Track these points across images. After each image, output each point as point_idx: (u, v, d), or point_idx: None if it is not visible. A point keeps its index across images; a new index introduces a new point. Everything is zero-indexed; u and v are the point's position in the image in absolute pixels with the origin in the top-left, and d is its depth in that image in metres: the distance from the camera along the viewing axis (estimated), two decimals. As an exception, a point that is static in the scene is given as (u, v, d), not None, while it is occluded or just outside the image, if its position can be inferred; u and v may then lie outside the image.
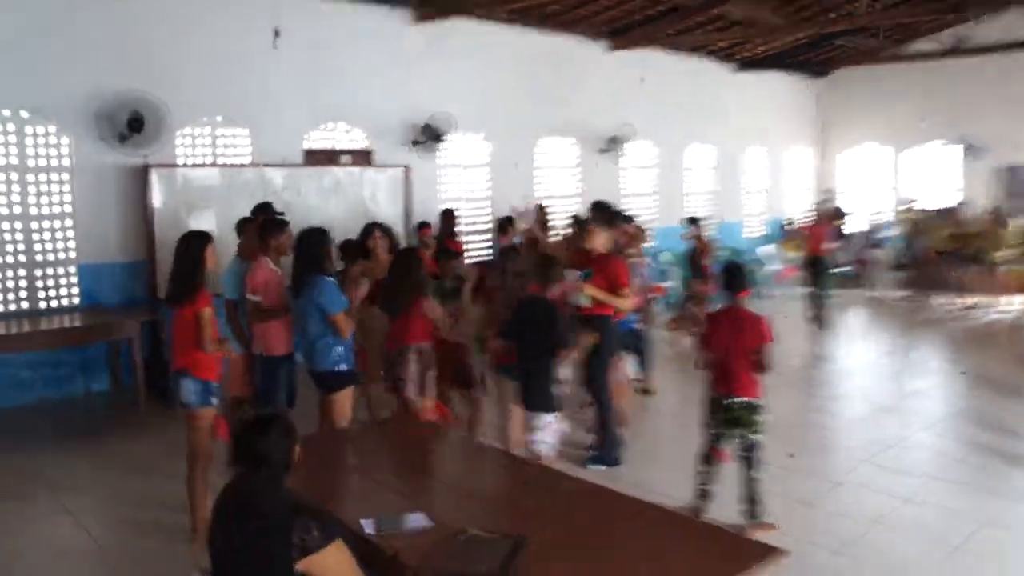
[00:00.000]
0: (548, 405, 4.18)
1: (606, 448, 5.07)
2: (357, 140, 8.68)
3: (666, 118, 11.69)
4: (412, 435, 3.98)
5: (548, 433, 4.18)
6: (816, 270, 9.26)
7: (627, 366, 6.49)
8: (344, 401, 4.34)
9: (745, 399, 4.06)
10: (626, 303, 4.88)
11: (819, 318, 9.33)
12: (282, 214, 6.10)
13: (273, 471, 2.31)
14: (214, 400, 4.13)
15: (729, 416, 4.09)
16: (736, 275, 4.14)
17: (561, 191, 10.83)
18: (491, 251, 8.97)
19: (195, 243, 4.12)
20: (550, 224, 9.20)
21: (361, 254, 5.38)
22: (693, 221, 8.99)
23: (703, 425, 4.23)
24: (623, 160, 11.31)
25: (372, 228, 5.49)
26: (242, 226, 5.39)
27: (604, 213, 5.29)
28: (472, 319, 5.03)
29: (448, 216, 8.09)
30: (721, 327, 4.10)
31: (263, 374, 4.61)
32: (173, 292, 4.10)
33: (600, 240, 4.91)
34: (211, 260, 4.12)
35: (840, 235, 12.62)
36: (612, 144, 10.90)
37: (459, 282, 5.18)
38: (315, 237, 4.40)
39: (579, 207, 10.95)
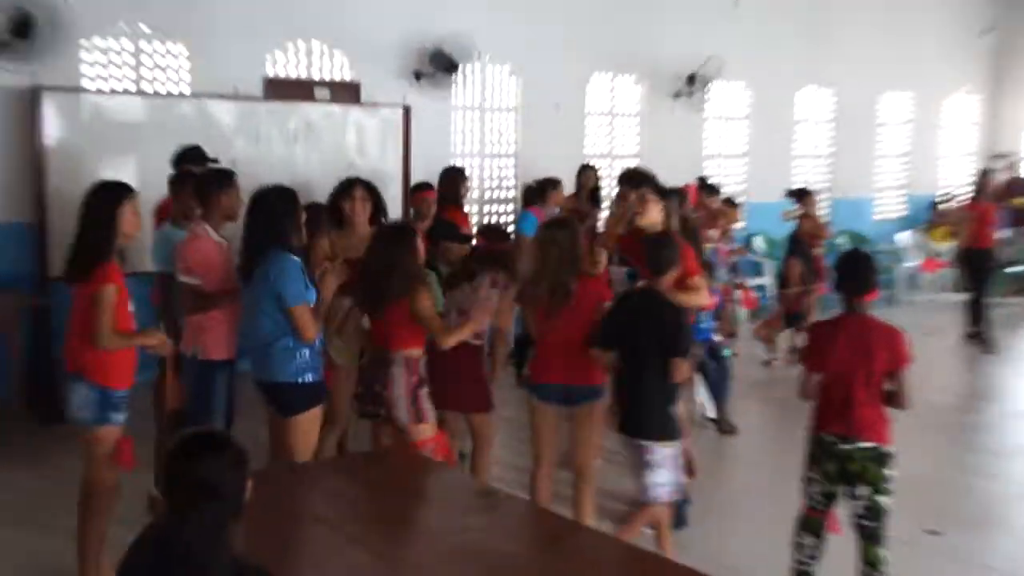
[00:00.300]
0: (668, 431, 4.36)
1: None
2: (339, 68, 8.72)
3: (768, 50, 11.61)
4: (398, 475, 3.98)
5: (668, 469, 4.35)
6: (979, 267, 9.14)
7: (697, 392, 6.50)
8: (308, 426, 4.36)
9: (870, 444, 4.03)
10: (698, 299, 4.85)
11: (981, 336, 9.21)
12: (215, 161, 6.19)
13: (218, 514, 2.22)
14: (117, 415, 4.16)
15: (844, 467, 4.06)
16: (860, 270, 4.13)
17: (619, 147, 10.81)
18: (514, 224, 8.97)
19: (106, 198, 4.14)
20: (601, 193, 9.21)
21: (332, 222, 5.38)
22: (801, 194, 8.92)
23: (804, 478, 4.23)
24: (706, 107, 11.30)
25: (352, 185, 5.49)
26: (179, 182, 5.44)
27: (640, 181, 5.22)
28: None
29: (452, 177, 7.53)
30: (837, 342, 4.07)
31: (196, 383, 4.63)
32: (72, 265, 4.13)
33: (655, 214, 4.95)
34: (129, 223, 4.14)
35: (1018, 219, 12.43)
36: (691, 85, 10.87)
37: (460, 269, 5.17)
38: (276, 198, 4.42)
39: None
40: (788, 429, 6.58)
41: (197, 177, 5.02)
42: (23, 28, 6.75)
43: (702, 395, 7.10)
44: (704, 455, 5.99)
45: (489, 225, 8.26)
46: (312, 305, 4.33)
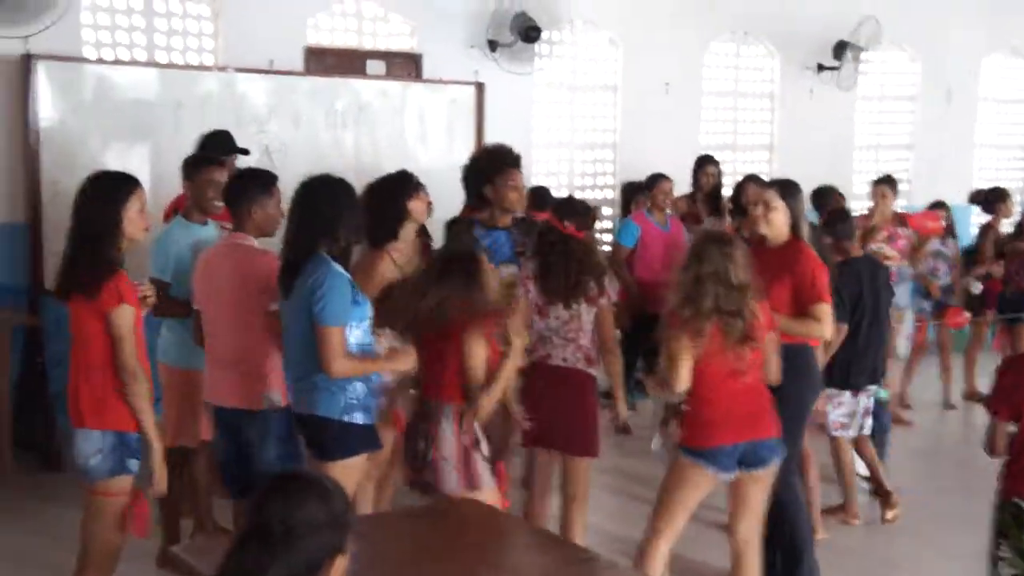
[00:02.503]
0: None
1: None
2: (396, 36, 8.77)
3: (942, 9, 11.43)
4: (465, 533, 3.97)
5: None
6: None
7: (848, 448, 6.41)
8: (346, 475, 4.32)
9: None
10: (822, 330, 5.00)
11: None
12: (246, 152, 6.27)
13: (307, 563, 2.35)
14: (133, 462, 4.19)
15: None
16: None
17: (745, 137, 10.73)
18: (612, 233, 8.92)
19: (107, 193, 4.16)
20: (724, 193, 9.11)
21: (390, 229, 5.30)
22: (995, 197, 8.78)
23: (991, 556, 4.18)
24: (859, 85, 11.13)
25: (417, 184, 5.45)
26: (195, 164, 5.50)
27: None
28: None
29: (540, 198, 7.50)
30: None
31: (226, 429, 4.73)
32: (67, 277, 4.15)
33: (782, 221, 5.00)
34: (135, 224, 4.16)
35: None
36: (839, 57, 10.76)
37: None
38: (325, 193, 4.42)
39: (771, 164, 10.75)
40: (962, 493, 6.45)
41: (236, 177, 5.04)
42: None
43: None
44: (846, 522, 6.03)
45: (566, 200, 8.02)
46: (343, 327, 4.28)
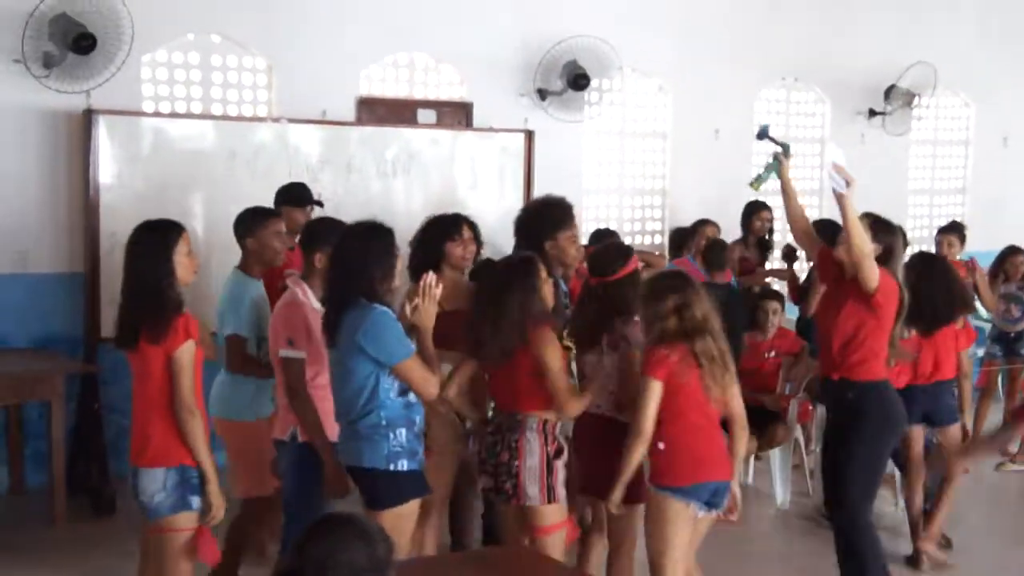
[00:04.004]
0: None
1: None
2: (447, 85, 8.87)
3: (997, 52, 11.36)
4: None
5: None
6: None
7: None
8: (399, 523, 4.35)
9: None
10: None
11: None
12: (320, 204, 6.40)
13: None
14: (195, 498, 4.27)
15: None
16: None
17: (795, 183, 10.59)
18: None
19: (157, 239, 4.29)
20: (774, 239, 9.08)
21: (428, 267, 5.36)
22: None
23: None
24: (913, 130, 11.09)
25: (460, 224, 5.55)
26: (262, 216, 5.60)
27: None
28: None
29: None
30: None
31: (296, 470, 4.82)
32: (130, 323, 4.26)
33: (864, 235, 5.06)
34: (185, 268, 4.29)
35: None
36: (892, 101, 10.71)
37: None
38: (365, 238, 4.49)
39: (820, 210, 10.71)
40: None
41: (308, 227, 5.19)
42: (84, 41, 6.98)
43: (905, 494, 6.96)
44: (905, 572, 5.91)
45: (602, 231, 8.08)
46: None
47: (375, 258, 4.42)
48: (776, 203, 9.53)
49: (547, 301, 4.72)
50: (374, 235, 4.49)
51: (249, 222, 5.49)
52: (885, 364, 5.23)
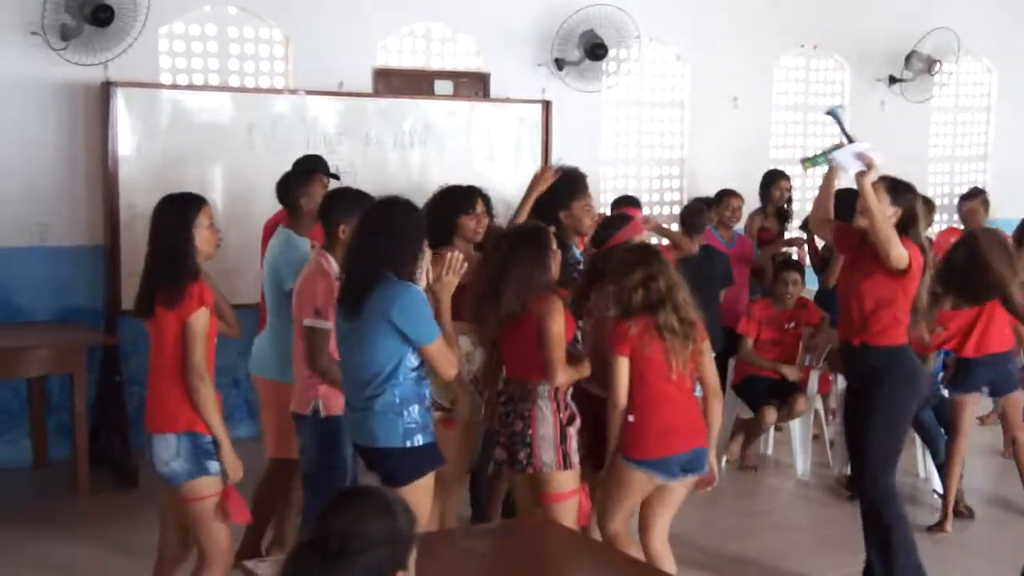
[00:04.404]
0: None
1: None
2: (464, 56, 8.85)
3: (1016, 17, 11.30)
4: (532, 550, 3.95)
5: None
6: None
7: (924, 461, 6.32)
8: (419, 496, 4.34)
9: None
10: None
11: None
12: (337, 177, 6.40)
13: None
14: (213, 463, 4.28)
15: None
16: None
17: (815, 150, 10.58)
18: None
19: (178, 211, 4.30)
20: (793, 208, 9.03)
21: (441, 238, 5.29)
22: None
23: None
24: (935, 96, 11.04)
25: (475, 198, 5.53)
26: (295, 184, 5.62)
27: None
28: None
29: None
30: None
31: (318, 445, 4.85)
32: (148, 292, 4.28)
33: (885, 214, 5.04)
34: (206, 240, 4.31)
35: None
36: (913, 68, 10.65)
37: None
38: (403, 216, 4.44)
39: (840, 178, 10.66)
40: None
41: (328, 198, 5.17)
42: (103, 13, 6.98)
43: (927, 465, 7.00)
44: (926, 541, 5.89)
45: (621, 199, 8.17)
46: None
47: (411, 235, 4.40)
48: (793, 171, 9.56)
49: (554, 272, 4.72)
50: (408, 212, 4.46)
51: (296, 181, 5.58)
52: (907, 330, 5.21)
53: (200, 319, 4.20)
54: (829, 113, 5.47)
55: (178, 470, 4.25)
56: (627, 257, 4.75)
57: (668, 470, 4.64)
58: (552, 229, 5.10)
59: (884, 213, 5.00)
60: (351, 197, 5.02)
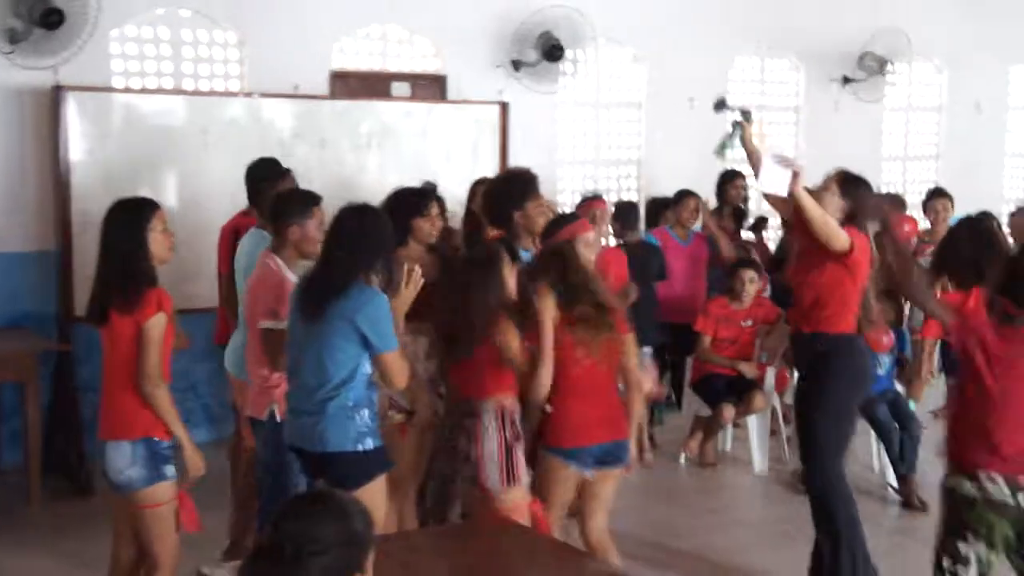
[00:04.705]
0: None
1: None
2: (420, 58, 8.83)
3: (970, 20, 11.38)
4: (488, 549, 3.95)
5: None
6: None
7: (876, 455, 6.37)
8: (373, 499, 4.33)
9: None
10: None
11: None
12: (287, 171, 6.34)
13: None
14: (169, 468, 4.26)
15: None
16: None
17: (770, 149, 10.67)
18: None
19: (130, 219, 4.27)
20: (749, 208, 9.08)
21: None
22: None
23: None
24: (886, 97, 11.13)
25: (430, 200, 5.51)
26: (269, 186, 5.60)
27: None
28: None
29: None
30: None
31: (273, 450, 4.78)
32: (102, 297, 4.24)
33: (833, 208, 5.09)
34: (160, 244, 4.27)
35: None
36: (865, 68, 10.74)
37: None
38: (372, 224, 4.46)
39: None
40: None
41: (277, 197, 5.13)
42: (52, 16, 6.88)
43: (881, 459, 7.09)
44: (880, 533, 5.93)
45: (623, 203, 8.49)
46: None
47: (382, 243, 4.44)
48: (749, 171, 9.57)
49: (510, 289, 4.73)
50: (380, 221, 4.50)
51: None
52: (855, 319, 5.23)
53: (157, 325, 4.17)
54: (717, 107, 5.57)
55: (135, 477, 4.22)
56: (545, 254, 4.88)
57: (583, 460, 4.69)
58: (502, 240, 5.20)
59: (832, 207, 5.07)
60: (300, 198, 5.01)
